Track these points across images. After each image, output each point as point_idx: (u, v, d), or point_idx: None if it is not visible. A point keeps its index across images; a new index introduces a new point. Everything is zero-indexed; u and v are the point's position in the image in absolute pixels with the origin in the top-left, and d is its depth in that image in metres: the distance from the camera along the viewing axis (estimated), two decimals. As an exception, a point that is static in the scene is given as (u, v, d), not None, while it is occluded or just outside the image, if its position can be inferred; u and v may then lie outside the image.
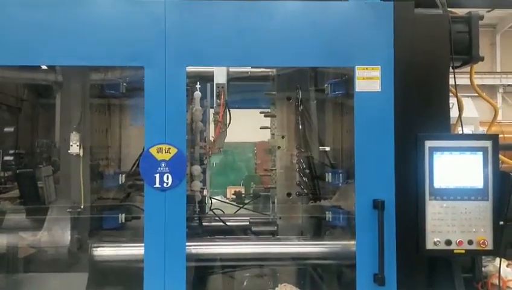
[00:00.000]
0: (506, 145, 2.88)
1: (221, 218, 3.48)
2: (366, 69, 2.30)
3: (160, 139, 2.24)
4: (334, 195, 2.94)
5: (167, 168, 2.23)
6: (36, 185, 2.96)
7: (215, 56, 2.31)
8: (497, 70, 27.57)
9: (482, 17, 2.66)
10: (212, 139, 2.99)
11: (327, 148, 2.99)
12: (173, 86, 2.24)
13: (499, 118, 26.71)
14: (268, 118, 3.29)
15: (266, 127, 3.37)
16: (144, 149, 2.27)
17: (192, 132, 2.92)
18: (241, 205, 3.98)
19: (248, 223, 3.38)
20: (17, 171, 3.10)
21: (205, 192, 3.23)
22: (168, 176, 2.23)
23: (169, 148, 2.24)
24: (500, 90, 27.53)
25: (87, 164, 2.66)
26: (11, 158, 3.14)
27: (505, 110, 27.44)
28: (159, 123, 2.23)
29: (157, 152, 2.23)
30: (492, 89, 27.22)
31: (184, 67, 2.25)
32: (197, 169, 2.89)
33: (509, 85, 27.26)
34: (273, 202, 3.29)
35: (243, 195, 11.46)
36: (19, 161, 3.25)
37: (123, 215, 2.73)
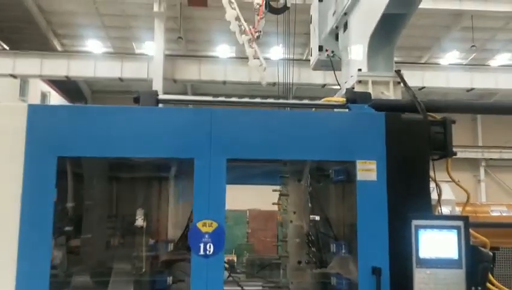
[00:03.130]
0: (475, 223, 3.51)
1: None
2: (365, 163, 2.96)
3: (205, 215, 2.84)
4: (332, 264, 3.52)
5: (210, 239, 2.81)
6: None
7: (249, 150, 2.96)
8: (479, 145, 28.75)
9: (454, 121, 3.34)
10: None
11: (331, 223, 3.59)
12: (216, 173, 2.87)
13: (482, 190, 27.45)
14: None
15: (278, 203, 3.99)
16: (188, 222, 2.85)
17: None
18: (255, 272, 4.46)
19: (261, 288, 3.89)
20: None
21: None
22: (210, 245, 2.81)
23: (211, 223, 2.83)
24: (483, 163, 28.58)
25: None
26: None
27: (488, 183, 28.38)
28: (204, 202, 2.84)
29: (202, 226, 2.82)
30: (474, 162, 28.28)
31: (225, 158, 2.89)
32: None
33: (491, 159, 28.35)
34: (283, 269, 3.82)
35: (235, 263, 11.73)
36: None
37: (171, 278, 3.23)
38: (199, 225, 2.83)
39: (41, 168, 2.79)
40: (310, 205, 3.65)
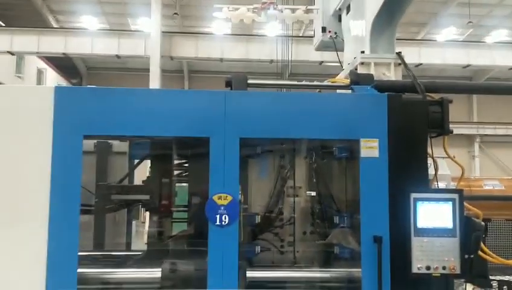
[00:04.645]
0: (469, 196, 3.77)
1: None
2: (368, 141, 3.20)
3: (220, 189, 3.08)
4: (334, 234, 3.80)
5: (225, 211, 3.05)
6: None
7: (259, 129, 3.18)
8: (474, 120, 29.07)
9: (451, 101, 3.56)
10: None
11: (334, 197, 3.84)
12: (230, 151, 3.09)
13: (476, 165, 27.83)
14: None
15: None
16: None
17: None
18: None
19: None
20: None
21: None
22: (225, 217, 3.05)
23: (226, 196, 3.07)
24: (477, 139, 28.96)
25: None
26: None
27: (482, 158, 28.82)
28: (220, 178, 3.07)
29: (218, 199, 3.06)
30: (469, 138, 28.67)
31: (238, 137, 3.11)
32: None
33: (485, 135, 28.72)
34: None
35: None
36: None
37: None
38: (215, 198, 3.06)
39: (69, 146, 3.00)
40: (314, 180, 3.88)
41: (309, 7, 6.34)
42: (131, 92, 3.19)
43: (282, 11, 7.13)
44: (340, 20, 5.67)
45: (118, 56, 21.93)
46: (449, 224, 3.15)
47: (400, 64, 4.40)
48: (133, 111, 3.08)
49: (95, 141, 4.25)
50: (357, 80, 3.51)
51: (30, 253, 2.95)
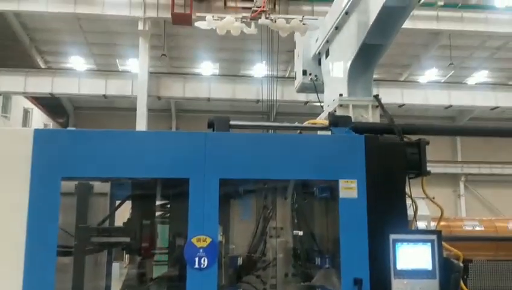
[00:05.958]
0: (449, 237, 3.79)
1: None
2: (347, 182, 3.22)
3: (199, 231, 3.06)
4: (317, 276, 3.76)
5: (204, 253, 3.03)
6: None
7: (239, 170, 3.20)
8: (459, 160, 29.37)
9: (428, 143, 3.62)
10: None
11: (315, 237, 3.83)
12: (209, 192, 3.09)
13: (462, 204, 27.91)
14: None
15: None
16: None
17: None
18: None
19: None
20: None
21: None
22: (204, 259, 3.02)
23: (205, 238, 3.05)
24: (462, 178, 29.16)
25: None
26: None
27: (467, 197, 28.96)
28: (199, 219, 3.06)
29: (197, 241, 3.04)
30: (454, 178, 28.88)
31: (217, 178, 3.12)
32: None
33: (470, 174, 28.96)
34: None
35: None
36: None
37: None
38: (194, 240, 3.04)
39: (47, 188, 2.99)
40: (295, 221, 3.88)
41: (306, 17, 6.03)
42: (110, 134, 3.21)
43: (275, 21, 6.80)
44: (320, 63, 5.84)
45: (105, 96, 22.01)
46: (428, 265, 3.16)
47: (377, 106, 4.50)
48: (112, 153, 3.10)
49: (76, 182, 4.20)
50: (336, 121, 3.57)
51: (3, 298, 2.88)
